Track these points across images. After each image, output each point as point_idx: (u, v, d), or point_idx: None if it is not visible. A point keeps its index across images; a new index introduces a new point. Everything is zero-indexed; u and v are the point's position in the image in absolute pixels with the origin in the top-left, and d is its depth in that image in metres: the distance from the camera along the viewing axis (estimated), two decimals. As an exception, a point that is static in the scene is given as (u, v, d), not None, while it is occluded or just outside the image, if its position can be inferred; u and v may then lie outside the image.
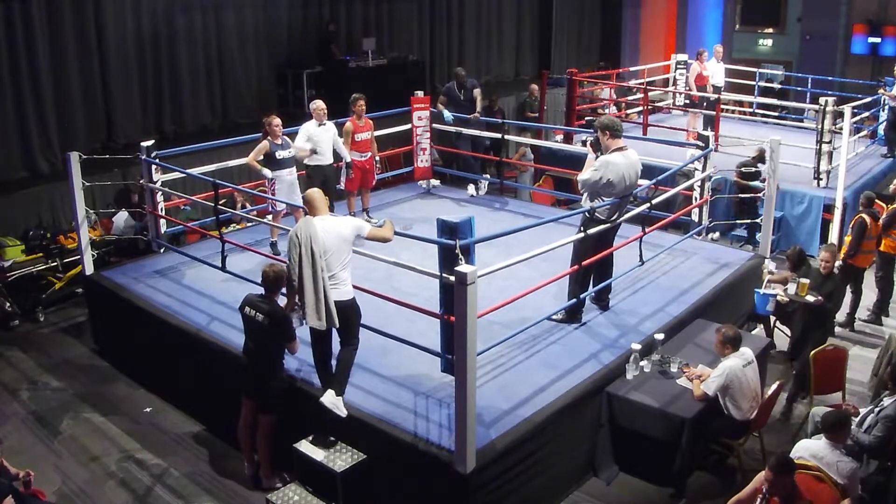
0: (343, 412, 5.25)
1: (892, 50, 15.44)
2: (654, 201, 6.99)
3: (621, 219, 6.40)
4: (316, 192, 5.43)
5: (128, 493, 5.77)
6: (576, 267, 6.22)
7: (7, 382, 7.35)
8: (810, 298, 6.94)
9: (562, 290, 6.45)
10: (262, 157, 7.65)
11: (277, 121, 7.71)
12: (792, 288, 7.15)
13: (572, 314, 6.49)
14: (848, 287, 8.15)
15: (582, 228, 6.22)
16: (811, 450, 4.93)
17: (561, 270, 6.30)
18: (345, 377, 5.34)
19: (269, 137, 7.66)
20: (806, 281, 7.04)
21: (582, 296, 6.40)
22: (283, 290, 5.57)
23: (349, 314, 5.24)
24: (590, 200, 6.23)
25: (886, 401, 5.40)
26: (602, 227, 6.19)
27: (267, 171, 7.60)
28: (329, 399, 5.24)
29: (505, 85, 16.52)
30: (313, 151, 7.98)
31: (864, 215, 7.99)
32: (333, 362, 5.40)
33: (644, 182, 6.95)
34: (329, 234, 5.11)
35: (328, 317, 5.06)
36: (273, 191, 7.70)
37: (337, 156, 8.48)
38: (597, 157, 6.24)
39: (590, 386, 5.67)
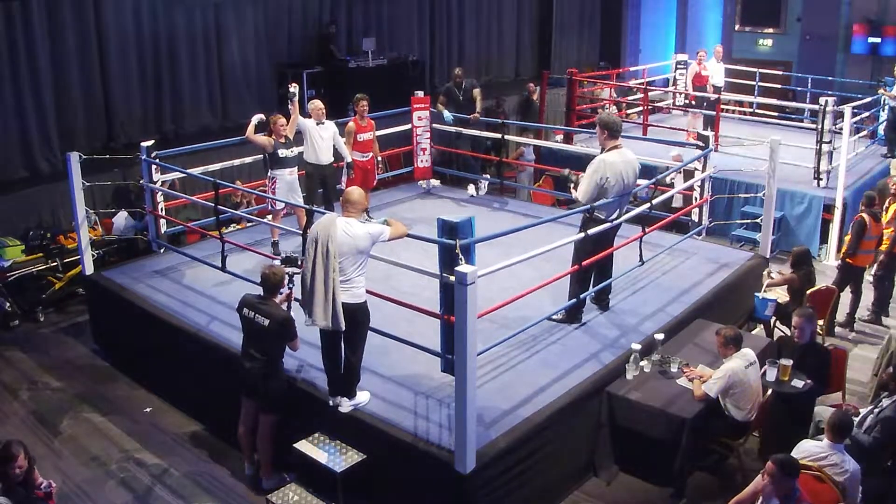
0: (366, 400, 5.37)
1: (892, 50, 15.45)
2: (654, 201, 6.99)
3: (621, 219, 6.40)
4: (356, 192, 5.35)
5: (128, 493, 5.77)
6: (576, 267, 6.23)
7: (7, 382, 7.35)
8: (798, 384, 5.68)
9: (561, 290, 6.44)
10: (261, 144, 7.73)
11: (283, 120, 7.73)
12: (772, 373, 5.76)
13: (572, 314, 6.49)
14: (848, 287, 8.15)
15: (582, 228, 6.22)
16: (812, 450, 4.92)
17: (562, 270, 6.31)
18: (354, 382, 5.38)
19: (273, 136, 7.69)
20: (788, 363, 5.72)
21: (582, 296, 6.40)
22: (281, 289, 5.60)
23: (358, 317, 5.22)
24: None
25: (886, 402, 5.40)
26: (602, 226, 6.19)
27: (256, 118, 7.79)
28: (347, 406, 5.34)
29: (505, 85, 16.50)
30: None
31: (864, 214, 7.98)
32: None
33: (644, 181, 6.95)
34: (347, 239, 5.06)
35: (334, 318, 5.05)
36: (273, 190, 7.72)
37: (337, 155, 8.48)
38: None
39: (590, 386, 5.67)
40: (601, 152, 6.22)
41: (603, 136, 6.19)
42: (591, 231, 6.13)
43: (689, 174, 8.83)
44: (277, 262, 5.83)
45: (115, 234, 9.16)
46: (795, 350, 5.96)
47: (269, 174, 7.80)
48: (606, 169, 6.05)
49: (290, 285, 5.67)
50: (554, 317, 6.41)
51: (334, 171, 8.45)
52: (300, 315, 5.51)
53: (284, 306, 5.61)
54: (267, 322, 5.41)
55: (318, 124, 8.12)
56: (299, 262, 5.70)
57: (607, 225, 6.24)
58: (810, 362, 5.88)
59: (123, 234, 9.12)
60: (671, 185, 8.73)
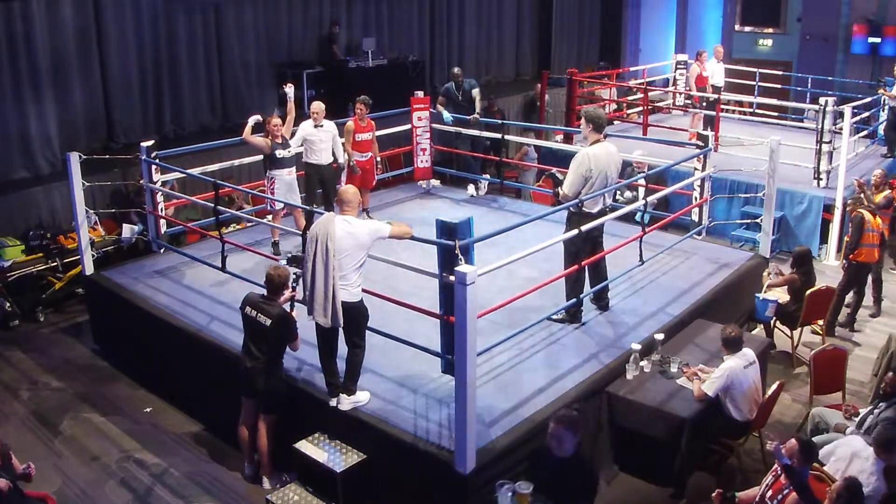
0: (366, 400, 5.37)
1: (892, 50, 15.45)
2: (649, 199, 7.00)
3: (606, 216, 6.40)
4: (350, 190, 5.45)
5: (128, 493, 5.77)
6: (575, 267, 6.23)
7: (7, 382, 7.36)
8: None
9: (561, 289, 6.44)
10: (258, 145, 7.73)
11: (276, 121, 7.73)
12: (504, 500, 4.50)
13: (572, 314, 6.49)
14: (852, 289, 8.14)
15: (567, 224, 6.25)
16: (855, 446, 4.87)
17: (561, 269, 6.31)
18: (355, 378, 5.38)
19: (270, 137, 7.69)
20: (526, 490, 4.41)
21: (581, 295, 6.41)
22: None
23: (356, 315, 5.24)
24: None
25: (885, 402, 5.40)
26: (589, 223, 6.19)
27: (253, 119, 7.76)
28: (347, 403, 5.34)
29: (505, 85, 16.52)
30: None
31: (860, 210, 7.98)
32: (338, 361, 5.40)
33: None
34: (347, 236, 5.09)
35: (334, 315, 5.07)
36: (272, 190, 7.72)
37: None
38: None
39: (590, 386, 5.67)
40: (586, 145, 6.28)
41: (588, 130, 6.26)
42: (576, 227, 6.12)
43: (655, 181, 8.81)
44: (283, 262, 5.82)
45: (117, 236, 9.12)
46: (552, 464, 4.50)
47: (267, 174, 7.81)
48: (591, 161, 6.10)
49: (294, 285, 5.67)
50: (554, 317, 6.41)
51: (333, 172, 8.45)
52: (302, 315, 5.52)
53: (287, 306, 5.61)
54: (269, 322, 5.41)
55: (315, 126, 8.11)
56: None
57: (595, 222, 6.24)
58: (571, 484, 4.44)
59: (126, 242, 9.08)
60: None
